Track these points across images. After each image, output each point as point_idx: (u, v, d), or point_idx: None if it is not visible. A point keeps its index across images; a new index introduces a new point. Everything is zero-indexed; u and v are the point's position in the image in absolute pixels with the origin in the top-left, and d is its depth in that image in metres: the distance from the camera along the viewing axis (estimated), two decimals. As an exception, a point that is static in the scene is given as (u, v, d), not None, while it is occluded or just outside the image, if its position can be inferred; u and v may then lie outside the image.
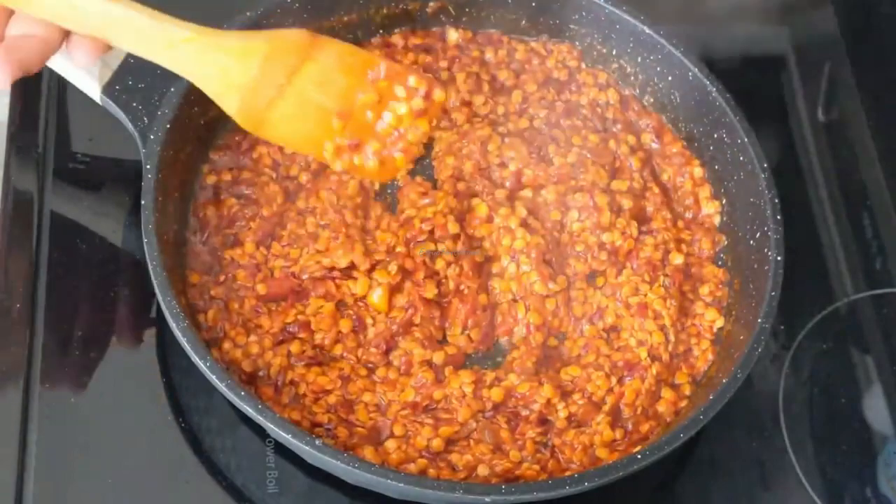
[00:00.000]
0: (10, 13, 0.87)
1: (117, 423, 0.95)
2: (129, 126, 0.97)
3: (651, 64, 1.11)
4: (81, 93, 1.00)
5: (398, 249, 0.99)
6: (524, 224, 1.01)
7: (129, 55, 0.99)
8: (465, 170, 1.05)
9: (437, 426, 0.92)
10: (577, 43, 1.14)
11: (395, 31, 1.13)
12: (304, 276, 0.97)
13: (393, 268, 0.98)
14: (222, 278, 0.97)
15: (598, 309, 1.01)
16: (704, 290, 1.04)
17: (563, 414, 0.94)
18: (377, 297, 0.97)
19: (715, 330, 1.02)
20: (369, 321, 0.97)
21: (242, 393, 0.86)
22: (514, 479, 0.91)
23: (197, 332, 0.89)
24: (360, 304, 0.97)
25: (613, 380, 0.97)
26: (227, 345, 0.94)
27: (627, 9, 1.09)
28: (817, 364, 1.08)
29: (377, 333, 0.96)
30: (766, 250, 0.99)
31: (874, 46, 1.29)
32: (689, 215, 1.08)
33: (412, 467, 0.91)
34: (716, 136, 1.07)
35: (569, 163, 1.06)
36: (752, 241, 1.02)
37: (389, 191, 1.05)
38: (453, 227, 1.00)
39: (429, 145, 1.08)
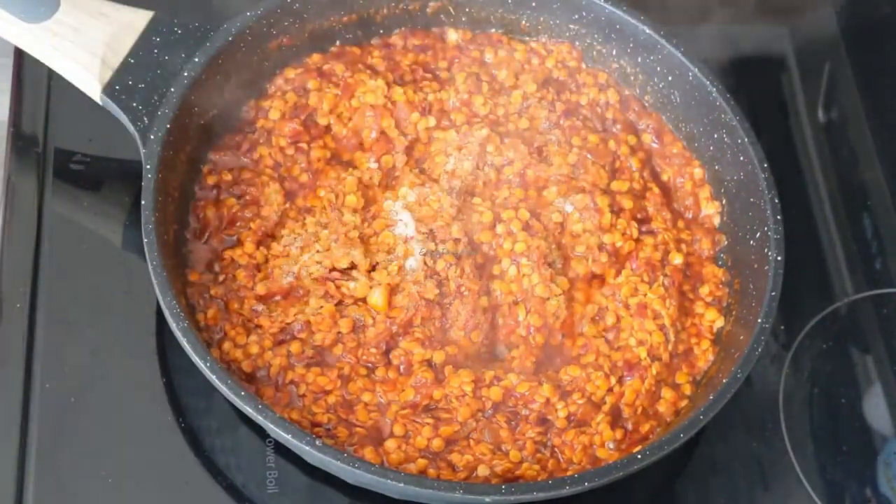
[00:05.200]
0: None
1: (117, 423, 0.95)
2: (129, 126, 0.97)
3: (651, 64, 1.11)
4: (81, 93, 1.00)
5: (398, 250, 0.99)
6: (526, 227, 1.01)
7: (129, 55, 0.99)
8: (464, 170, 1.05)
9: (437, 426, 0.92)
10: (577, 43, 1.14)
11: (395, 31, 1.13)
12: (304, 276, 0.97)
13: (393, 268, 0.98)
14: (222, 278, 0.97)
15: (598, 309, 1.01)
16: (704, 290, 1.04)
17: (562, 414, 0.94)
18: (377, 297, 0.97)
19: (715, 330, 1.02)
20: (369, 321, 0.97)
21: (242, 393, 0.86)
22: (514, 479, 0.91)
23: (197, 333, 0.89)
24: (360, 304, 0.97)
25: (613, 380, 0.97)
26: (227, 345, 0.94)
27: (627, 9, 1.09)
28: (817, 364, 1.08)
29: (377, 333, 0.96)
30: (766, 250, 0.99)
31: (874, 46, 1.29)
32: (689, 215, 1.08)
33: (412, 467, 0.91)
34: (716, 136, 1.07)
35: (569, 163, 1.06)
36: (752, 241, 1.02)
37: (388, 182, 1.05)
38: (457, 233, 1.00)
39: (429, 145, 1.08)
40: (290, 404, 0.92)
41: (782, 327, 1.08)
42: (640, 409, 0.96)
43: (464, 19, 1.14)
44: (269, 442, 0.96)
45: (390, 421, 0.93)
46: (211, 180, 1.02)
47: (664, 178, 1.10)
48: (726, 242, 1.06)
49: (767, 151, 1.03)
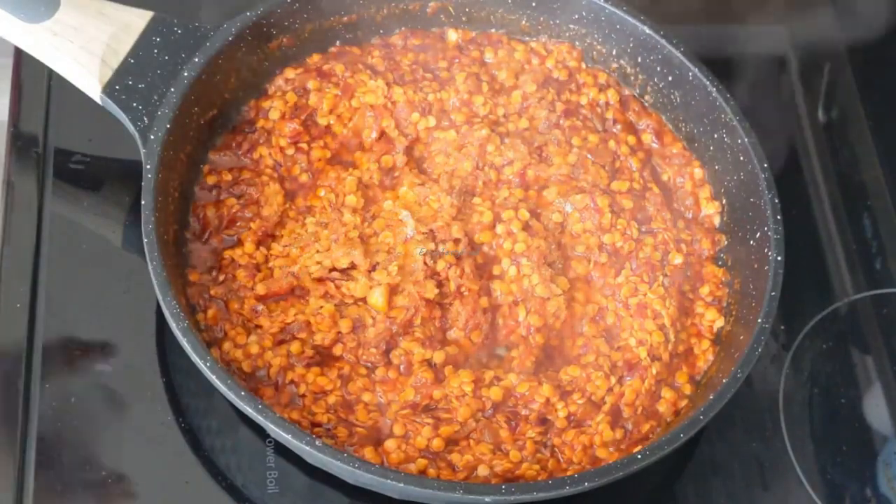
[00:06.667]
0: None
1: (117, 423, 0.95)
2: (129, 126, 0.97)
3: (651, 64, 1.11)
4: (81, 93, 1.00)
5: (398, 250, 0.99)
6: (526, 227, 1.01)
7: (129, 55, 0.99)
8: (464, 170, 1.05)
9: (437, 426, 0.92)
10: (577, 43, 1.14)
11: (395, 31, 1.13)
12: (304, 276, 0.97)
13: (393, 268, 0.98)
14: (222, 278, 0.97)
15: (598, 309, 1.01)
16: (704, 290, 1.04)
17: (562, 413, 0.94)
18: (377, 297, 0.97)
19: (715, 330, 1.02)
20: (369, 321, 0.97)
21: (243, 393, 0.86)
22: (514, 479, 0.91)
23: (197, 333, 0.89)
24: (360, 304, 0.97)
25: (613, 380, 0.97)
26: (227, 345, 0.94)
27: (627, 9, 1.09)
28: (817, 364, 1.08)
29: (377, 333, 0.96)
30: (766, 250, 0.99)
31: (874, 46, 1.29)
32: (689, 215, 1.08)
33: (412, 467, 0.91)
34: (716, 136, 1.07)
35: (569, 163, 1.06)
36: (752, 241, 1.02)
37: (388, 182, 1.05)
38: (457, 233, 1.00)
39: (429, 145, 1.08)
40: (290, 404, 0.92)
41: (782, 327, 1.08)
42: (640, 409, 0.96)
43: (464, 19, 1.14)
44: (269, 442, 0.96)
45: (390, 421, 0.93)
46: (211, 180, 1.02)
47: (664, 178, 1.10)
48: (726, 242, 1.06)
49: (767, 151, 1.03)
